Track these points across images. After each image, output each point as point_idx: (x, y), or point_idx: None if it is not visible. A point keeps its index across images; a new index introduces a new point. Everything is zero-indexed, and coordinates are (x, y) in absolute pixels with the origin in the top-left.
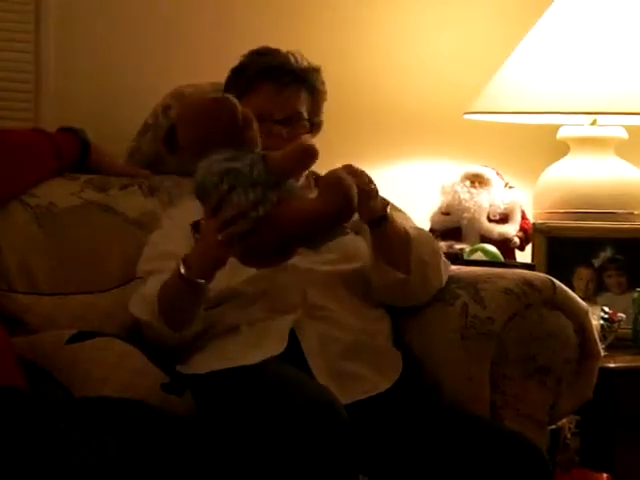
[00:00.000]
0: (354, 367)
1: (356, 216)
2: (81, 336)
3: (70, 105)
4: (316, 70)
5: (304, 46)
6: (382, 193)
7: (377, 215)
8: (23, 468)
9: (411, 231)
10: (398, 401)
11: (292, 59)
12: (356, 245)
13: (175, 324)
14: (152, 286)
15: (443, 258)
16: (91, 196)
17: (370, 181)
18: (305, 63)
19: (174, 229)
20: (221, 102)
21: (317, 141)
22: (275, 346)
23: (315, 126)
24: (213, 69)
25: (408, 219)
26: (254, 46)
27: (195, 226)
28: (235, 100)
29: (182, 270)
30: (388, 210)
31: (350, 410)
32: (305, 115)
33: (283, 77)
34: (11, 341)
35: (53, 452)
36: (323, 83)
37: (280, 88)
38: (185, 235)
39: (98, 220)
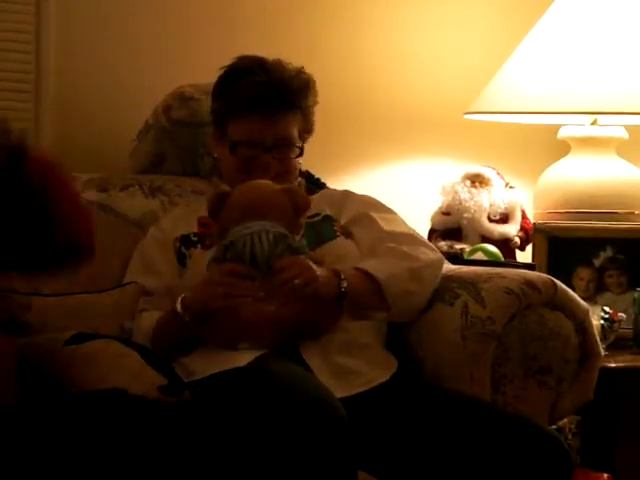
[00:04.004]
0: (350, 362)
1: (344, 220)
2: (79, 338)
3: (70, 105)
4: (306, 84)
5: (304, 46)
6: (382, 193)
7: (333, 296)
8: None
9: (377, 271)
10: (398, 393)
11: (280, 74)
12: (346, 248)
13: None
14: (148, 317)
15: (434, 258)
16: (92, 196)
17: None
18: (292, 76)
19: (153, 246)
20: (300, 194)
21: (318, 142)
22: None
23: (311, 130)
24: (213, 69)
25: (396, 220)
26: (255, 45)
27: (183, 240)
28: (304, 193)
29: (178, 307)
30: (344, 285)
31: (350, 404)
32: (296, 138)
33: (273, 105)
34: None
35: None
36: (314, 85)
37: (269, 117)
38: (164, 250)
39: (99, 220)
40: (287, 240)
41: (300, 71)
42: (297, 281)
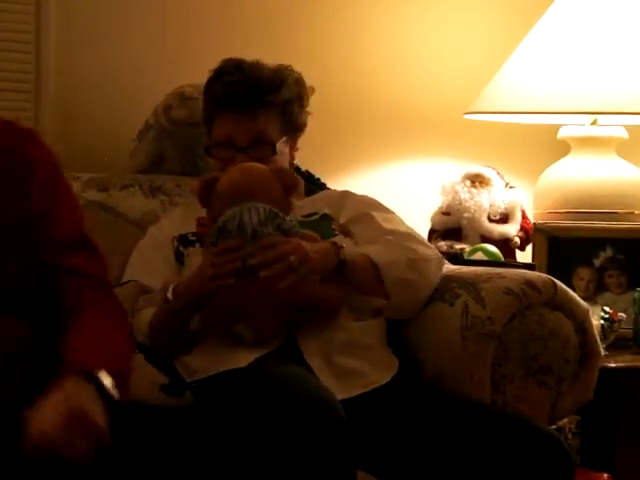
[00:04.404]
0: (351, 363)
1: (343, 219)
2: None
3: (70, 105)
4: (281, 80)
5: (304, 46)
6: (382, 193)
7: (333, 266)
8: None
9: (376, 255)
10: (398, 395)
11: (254, 73)
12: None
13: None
14: (145, 314)
15: (432, 255)
16: (92, 196)
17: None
18: (269, 74)
19: (152, 245)
20: (287, 173)
21: (318, 142)
22: (270, 344)
23: (298, 127)
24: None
25: (395, 220)
26: (255, 45)
27: (181, 239)
28: (291, 172)
29: (169, 295)
30: (341, 256)
31: (350, 405)
32: (272, 136)
33: (243, 103)
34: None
35: None
36: (297, 84)
37: (241, 115)
38: (163, 249)
39: (99, 220)
40: (277, 220)
41: (281, 69)
42: (292, 257)
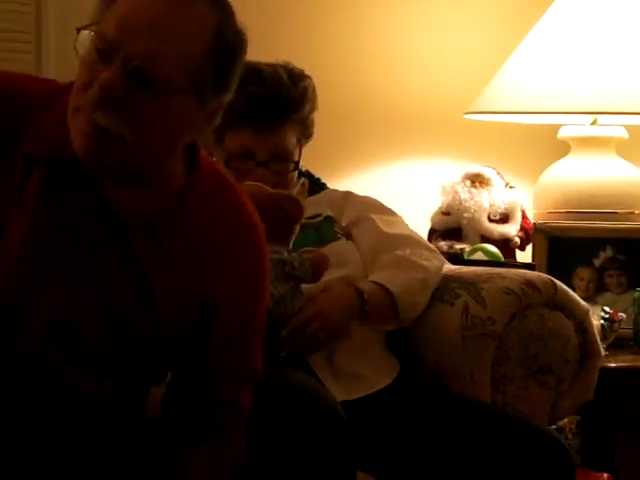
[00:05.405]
0: (353, 366)
1: (345, 222)
2: None
3: None
4: (303, 95)
5: (304, 46)
6: (382, 193)
7: (355, 319)
8: None
9: (393, 285)
10: (398, 396)
11: (275, 86)
12: (347, 250)
13: None
14: None
15: (438, 263)
16: None
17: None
18: (289, 86)
19: None
20: (293, 202)
21: (318, 142)
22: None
23: (311, 134)
24: None
25: (397, 222)
26: (255, 46)
27: None
28: (301, 200)
29: None
30: (365, 297)
31: (351, 406)
32: (292, 150)
33: (267, 118)
34: None
35: None
36: (313, 92)
37: (264, 130)
38: None
39: None
40: (286, 268)
41: (298, 78)
42: (322, 334)
